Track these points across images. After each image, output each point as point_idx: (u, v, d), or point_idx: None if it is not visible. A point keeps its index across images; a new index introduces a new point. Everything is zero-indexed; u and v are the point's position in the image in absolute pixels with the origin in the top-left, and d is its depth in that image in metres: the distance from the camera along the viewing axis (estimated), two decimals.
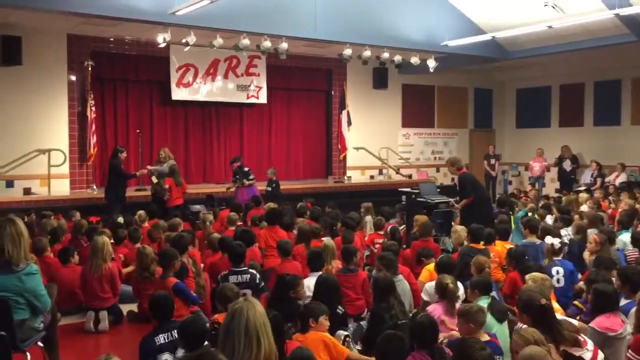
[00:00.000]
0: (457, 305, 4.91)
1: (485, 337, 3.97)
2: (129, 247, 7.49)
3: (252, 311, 2.84)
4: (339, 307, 5.03)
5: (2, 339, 3.93)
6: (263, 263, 6.87)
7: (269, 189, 12.24)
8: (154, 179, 10.66)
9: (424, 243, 7.18)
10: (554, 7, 11.07)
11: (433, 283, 5.30)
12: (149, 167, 11.08)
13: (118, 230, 7.87)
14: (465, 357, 3.34)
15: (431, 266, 6.02)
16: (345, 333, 4.44)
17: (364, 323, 5.07)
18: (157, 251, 6.53)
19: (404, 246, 7.95)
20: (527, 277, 4.98)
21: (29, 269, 4.20)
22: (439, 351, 3.78)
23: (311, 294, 5.13)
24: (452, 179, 9.43)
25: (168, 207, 10.26)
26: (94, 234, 6.99)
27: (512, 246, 6.88)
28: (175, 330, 4.11)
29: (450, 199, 9.46)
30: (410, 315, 5.10)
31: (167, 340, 4.13)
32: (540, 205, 10.18)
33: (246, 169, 11.95)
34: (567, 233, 7.76)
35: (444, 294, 4.79)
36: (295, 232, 7.77)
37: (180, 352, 4.07)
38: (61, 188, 11.76)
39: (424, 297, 5.36)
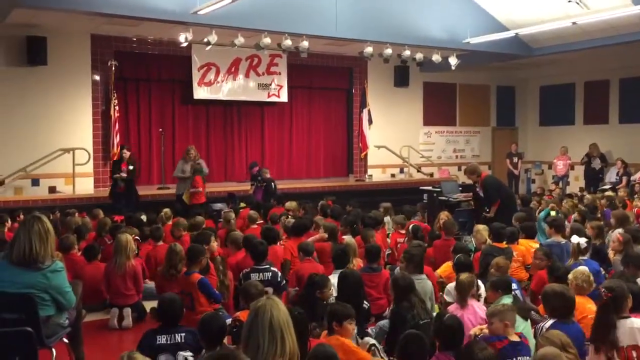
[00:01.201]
0: (478, 303, 4.90)
1: (516, 338, 3.92)
2: (152, 245, 7.55)
3: (276, 309, 2.83)
4: (365, 302, 5.03)
5: (29, 335, 3.99)
6: (284, 263, 6.87)
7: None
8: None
9: (446, 242, 7.14)
10: (577, 3, 10.92)
11: (454, 284, 5.28)
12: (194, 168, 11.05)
13: (143, 228, 7.97)
14: (469, 356, 3.41)
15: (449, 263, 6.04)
16: (372, 342, 4.36)
17: (383, 323, 5.06)
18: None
19: (426, 245, 7.91)
20: (570, 274, 4.91)
21: (55, 266, 4.25)
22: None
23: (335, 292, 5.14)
24: None
25: (193, 205, 10.44)
26: (117, 232, 7.06)
27: (537, 245, 6.83)
28: (180, 334, 4.12)
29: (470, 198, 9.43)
30: (434, 315, 5.07)
31: (168, 342, 4.10)
32: (564, 203, 10.06)
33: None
34: None
35: (457, 286, 4.82)
36: (319, 231, 7.79)
37: (182, 355, 4.08)
38: (85, 186, 11.90)
39: (447, 297, 5.33)
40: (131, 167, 11.09)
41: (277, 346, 2.77)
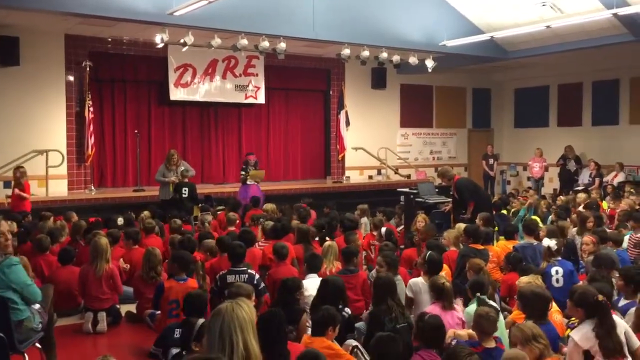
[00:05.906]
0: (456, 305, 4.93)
1: (491, 344, 3.96)
2: (125, 248, 7.43)
3: (229, 312, 2.74)
4: (345, 310, 4.96)
5: (0, 341, 3.92)
6: (262, 265, 6.84)
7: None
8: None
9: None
10: (552, 7, 11.08)
11: (417, 280, 5.34)
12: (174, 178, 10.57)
13: (129, 230, 7.79)
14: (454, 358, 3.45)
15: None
16: (355, 343, 4.35)
17: (360, 325, 5.05)
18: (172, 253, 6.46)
19: (402, 247, 7.94)
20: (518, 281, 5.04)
21: (9, 261, 4.23)
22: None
23: (309, 295, 5.12)
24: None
25: (20, 212, 9.38)
26: (92, 235, 6.96)
27: (516, 243, 6.94)
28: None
29: (448, 199, 9.48)
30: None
31: (180, 336, 4.48)
32: (540, 204, 10.19)
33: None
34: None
35: (441, 294, 4.80)
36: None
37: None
38: (59, 188, 11.73)
39: (408, 293, 5.34)
40: None
41: (225, 352, 2.69)
